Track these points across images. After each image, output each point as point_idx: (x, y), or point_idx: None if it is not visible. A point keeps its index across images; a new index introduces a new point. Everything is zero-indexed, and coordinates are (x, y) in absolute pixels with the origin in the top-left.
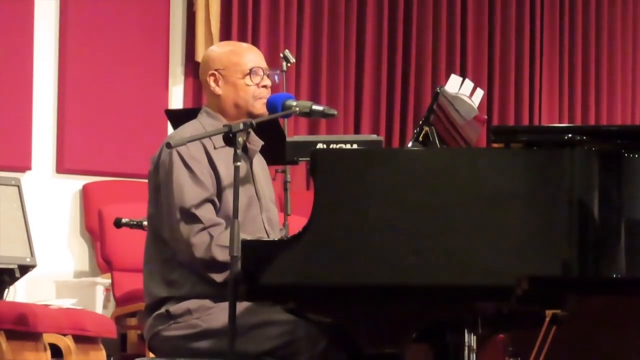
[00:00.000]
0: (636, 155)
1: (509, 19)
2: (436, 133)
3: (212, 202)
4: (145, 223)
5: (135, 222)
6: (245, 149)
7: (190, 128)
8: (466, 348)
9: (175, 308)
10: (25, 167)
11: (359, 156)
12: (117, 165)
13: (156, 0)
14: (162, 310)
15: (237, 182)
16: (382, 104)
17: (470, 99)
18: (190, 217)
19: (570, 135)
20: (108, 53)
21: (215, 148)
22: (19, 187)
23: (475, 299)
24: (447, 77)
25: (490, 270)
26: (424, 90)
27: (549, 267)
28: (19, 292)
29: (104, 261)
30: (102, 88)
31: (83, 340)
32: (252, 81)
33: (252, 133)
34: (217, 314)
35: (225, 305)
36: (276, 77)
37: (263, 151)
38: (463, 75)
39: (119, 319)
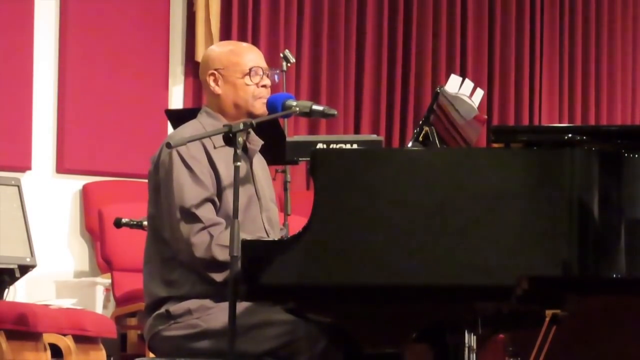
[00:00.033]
0: (636, 155)
1: (509, 19)
2: (436, 133)
3: (212, 201)
4: (145, 223)
5: (135, 222)
6: (245, 149)
7: (190, 128)
8: (466, 348)
9: (175, 308)
10: (25, 167)
11: (359, 156)
12: (117, 165)
13: (156, 0)
14: (162, 310)
15: (237, 181)
16: (382, 104)
17: (470, 99)
18: (190, 217)
19: (570, 135)
20: (108, 53)
21: (215, 148)
22: (19, 187)
23: (475, 299)
24: (447, 77)
25: (490, 270)
26: (424, 90)
27: (549, 267)
28: (19, 292)
29: (104, 261)
30: (102, 88)
31: (83, 340)
32: (251, 81)
33: (252, 133)
34: (217, 314)
35: (225, 305)
36: (276, 77)
37: (263, 151)
38: (463, 75)
39: (119, 319)
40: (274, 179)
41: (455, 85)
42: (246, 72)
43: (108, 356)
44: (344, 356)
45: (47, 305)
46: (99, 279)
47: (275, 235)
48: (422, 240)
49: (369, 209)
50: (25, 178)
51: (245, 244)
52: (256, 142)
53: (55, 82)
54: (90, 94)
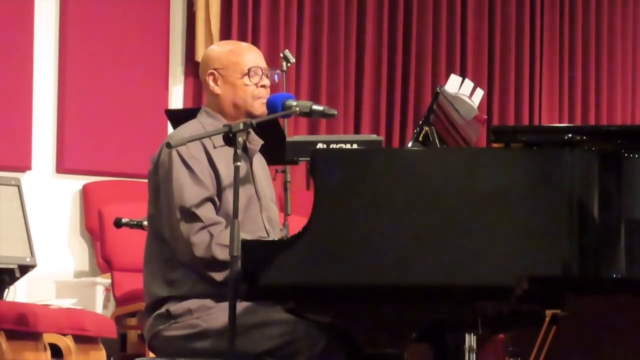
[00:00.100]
0: (636, 155)
1: (509, 19)
2: (436, 133)
3: (212, 201)
4: (145, 223)
5: (135, 222)
6: (245, 149)
7: (190, 128)
8: (466, 348)
9: (175, 308)
10: (25, 167)
11: (359, 156)
12: (117, 165)
13: (156, 0)
14: (163, 310)
15: (237, 181)
16: (382, 104)
17: (470, 99)
18: (190, 216)
19: (570, 135)
20: (108, 53)
21: (215, 147)
22: (19, 187)
23: (475, 299)
24: (447, 77)
25: (490, 270)
26: (424, 90)
27: (549, 267)
28: (19, 292)
29: (104, 261)
30: (102, 88)
31: (83, 340)
32: (250, 81)
33: (252, 132)
34: (217, 314)
35: (225, 305)
36: (276, 77)
37: (263, 151)
38: (463, 75)
39: (119, 319)
40: (274, 179)
41: (455, 85)
42: (245, 72)
43: (108, 356)
44: (344, 356)
45: (47, 305)
46: (99, 279)
47: (275, 235)
48: (422, 240)
49: (369, 209)
50: (25, 178)
51: (246, 243)
52: (256, 142)
53: (55, 82)
54: (90, 94)
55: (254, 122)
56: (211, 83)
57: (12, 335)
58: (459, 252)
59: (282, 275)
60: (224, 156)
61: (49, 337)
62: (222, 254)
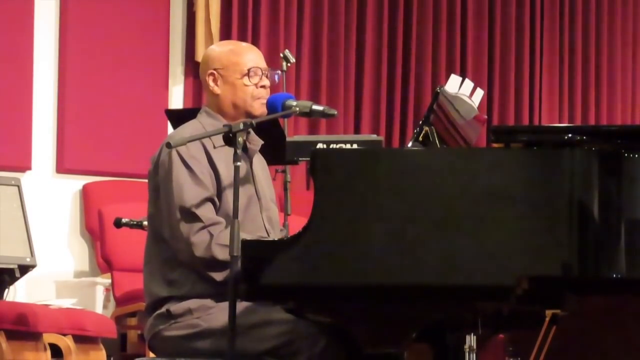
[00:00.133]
0: (636, 155)
1: (509, 19)
2: (436, 133)
3: (212, 201)
4: (145, 223)
5: (135, 222)
6: (245, 149)
7: (190, 128)
8: (466, 348)
9: (175, 308)
10: (25, 167)
11: (359, 156)
12: (117, 165)
13: (156, 0)
14: (163, 309)
15: (237, 181)
16: (382, 104)
17: (470, 99)
18: (190, 216)
19: (570, 135)
20: (108, 53)
21: (215, 147)
22: (19, 187)
23: (475, 299)
24: (447, 77)
25: (490, 270)
26: (424, 90)
27: (549, 267)
28: (19, 292)
29: (104, 261)
30: (102, 88)
31: (83, 340)
32: (250, 81)
33: (252, 133)
34: (217, 314)
35: (225, 305)
36: (276, 77)
37: (263, 151)
38: (463, 75)
39: (119, 319)
40: (274, 179)
41: (455, 85)
42: (245, 72)
43: (108, 356)
44: (344, 356)
45: (47, 305)
46: (99, 279)
47: (276, 235)
48: (422, 240)
49: (369, 209)
50: (25, 178)
51: (246, 243)
52: (256, 142)
53: (55, 82)
54: (90, 94)
55: (253, 122)
56: (211, 83)
57: (12, 335)
58: (459, 252)
59: (282, 275)
60: (224, 156)
61: (49, 337)
62: (222, 254)
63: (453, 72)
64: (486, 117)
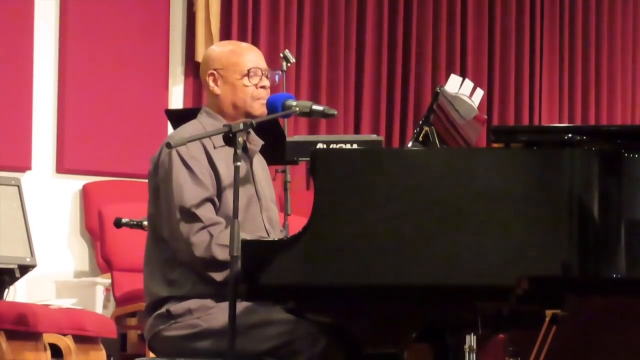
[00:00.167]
0: (636, 155)
1: (509, 18)
2: (436, 133)
3: (212, 201)
4: (145, 223)
5: (135, 222)
6: (245, 149)
7: (190, 128)
8: (466, 348)
9: (175, 308)
10: (25, 167)
11: (359, 156)
12: (117, 165)
13: (156, 0)
14: (163, 310)
15: (237, 181)
16: (382, 104)
17: (470, 99)
18: (190, 216)
19: (570, 135)
20: (108, 53)
21: (215, 148)
22: (19, 187)
23: (475, 299)
24: (447, 77)
25: (490, 270)
26: (424, 90)
27: (549, 267)
28: (19, 292)
29: (104, 261)
30: (102, 88)
31: (83, 340)
32: (250, 82)
33: (252, 133)
34: (217, 314)
35: (225, 305)
36: (277, 77)
37: (263, 151)
38: (463, 75)
39: (119, 319)
40: (274, 179)
41: (455, 85)
42: (245, 73)
43: (108, 356)
44: (344, 356)
45: (47, 305)
46: (99, 279)
47: (276, 235)
48: (422, 240)
49: (369, 209)
50: (25, 178)
51: (246, 243)
52: (256, 142)
53: (55, 82)
54: (90, 94)
55: (253, 122)
56: (211, 83)
57: (12, 335)
58: (459, 252)
59: (282, 275)
60: (224, 156)
61: (49, 337)
62: (221, 254)
63: (453, 72)
64: (486, 117)
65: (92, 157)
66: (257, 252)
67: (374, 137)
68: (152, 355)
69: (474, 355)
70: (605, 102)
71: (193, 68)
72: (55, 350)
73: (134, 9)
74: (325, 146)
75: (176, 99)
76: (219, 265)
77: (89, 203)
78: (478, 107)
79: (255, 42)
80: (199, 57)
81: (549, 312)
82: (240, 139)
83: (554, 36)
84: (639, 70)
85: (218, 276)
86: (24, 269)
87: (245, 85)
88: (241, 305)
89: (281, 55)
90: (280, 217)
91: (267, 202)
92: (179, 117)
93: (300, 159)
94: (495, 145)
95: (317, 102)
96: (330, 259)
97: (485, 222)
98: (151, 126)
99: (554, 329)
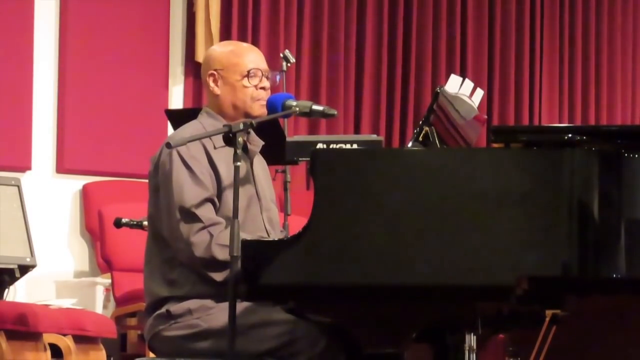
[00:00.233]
0: (636, 155)
1: (509, 18)
2: (436, 133)
3: (212, 201)
4: (145, 223)
5: (135, 222)
6: (245, 149)
7: (190, 128)
8: (466, 348)
9: (175, 308)
10: (25, 167)
11: (359, 156)
12: (117, 165)
13: (156, 0)
14: (163, 310)
15: (237, 182)
16: (382, 104)
17: (470, 99)
18: (190, 217)
19: (570, 135)
20: (108, 53)
21: (215, 148)
22: (19, 187)
23: (475, 299)
24: (447, 77)
25: (490, 270)
26: (424, 90)
27: (549, 267)
28: (19, 292)
29: (104, 261)
30: (102, 88)
31: (83, 340)
32: (250, 83)
33: (253, 133)
34: (217, 314)
35: (225, 305)
36: (277, 78)
37: (263, 151)
38: (463, 75)
39: (119, 319)
40: (274, 179)
41: (455, 85)
42: (245, 73)
43: (108, 356)
44: (344, 356)
45: (47, 305)
46: (99, 279)
47: (276, 236)
48: (422, 240)
49: (369, 209)
50: (25, 178)
51: (246, 243)
52: (257, 143)
53: (55, 82)
54: (90, 94)
55: (254, 122)
56: (211, 84)
57: (12, 335)
58: (459, 252)
59: (282, 275)
60: (224, 157)
61: (49, 337)
62: (221, 254)
63: (453, 72)
64: (486, 117)
65: (92, 157)
66: (257, 252)
67: (374, 137)
68: (152, 355)
69: (474, 355)
70: (605, 102)
71: (193, 68)
72: (55, 350)
73: (134, 9)
74: (325, 146)
75: (176, 99)
76: (219, 265)
77: (89, 203)
78: (478, 107)
79: (255, 42)
80: (199, 57)
81: (549, 312)
82: (240, 139)
83: (554, 36)
84: (639, 70)
85: (218, 276)
86: (24, 269)
87: (245, 86)
88: (241, 306)
89: (281, 55)
90: (280, 217)
91: (268, 203)
92: (179, 117)
93: (300, 159)
94: (495, 145)
95: (317, 102)
96: (331, 259)
97: (485, 222)
98: (151, 126)
99: (554, 329)
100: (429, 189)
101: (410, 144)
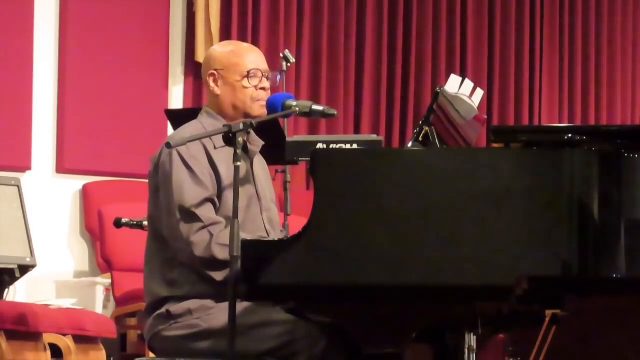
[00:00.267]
0: (636, 155)
1: (509, 19)
2: (436, 133)
3: (212, 201)
4: (145, 223)
5: (135, 222)
6: (245, 149)
7: (190, 128)
8: (466, 348)
9: (175, 308)
10: (25, 167)
11: (359, 156)
12: (117, 165)
13: (156, 0)
14: (163, 310)
15: (237, 182)
16: (382, 104)
17: (470, 99)
18: (190, 216)
19: (570, 135)
20: (108, 53)
21: (215, 148)
22: (19, 187)
23: (475, 299)
24: (447, 77)
25: (490, 270)
26: (424, 90)
27: (549, 267)
28: (19, 292)
29: (104, 261)
30: (102, 88)
31: (83, 340)
32: (250, 83)
33: (253, 133)
34: (217, 314)
35: (225, 305)
36: (277, 78)
37: (263, 151)
38: (463, 75)
39: (119, 319)
40: (273, 179)
41: (455, 85)
42: (245, 74)
43: (108, 356)
44: (344, 356)
45: (47, 305)
46: (99, 279)
47: (276, 236)
48: (422, 240)
49: (369, 209)
50: (25, 178)
51: (246, 243)
52: (257, 143)
53: (55, 82)
54: (90, 94)
55: (254, 122)
56: (212, 84)
57: (12, 335)
58: (459, 252)
59: (282, 275)
60: (224, 157)
61: (49, 337)
62: (221, 254)
63: (453, 72)
64: (486, 117)
65: (92, 157)
66: (257, 252)
67: (374, 137)
68: (152, 355)
69: (474, 355)
70: (605, 102)
71: (193, 68)
72: (55, 350)
73: (134, 9)
74: (325, 146)
75: (176, 99)
76: (219, 264)
77: (89, 203)
78: (478, 107)
79: (255, 42)
80: (199, 57)
81: (549, 312)
82: (240, 139)
83: (554, 36)
84: (639, 70)
85: (218, 276)
86: (24, 269)
87: (245, 87)
88: (241, 306)
89: (281, 55)
90: (280, 217)
91: (268, 203)
92: (179, 117)
93: (300, 159)
94: (495, 145)
95: (317, 102)
96: (330, 259)
97: (485, 222)
98: (151, 126)
99: (554, 329)
100: (429, 189)
101: (410, 144)
